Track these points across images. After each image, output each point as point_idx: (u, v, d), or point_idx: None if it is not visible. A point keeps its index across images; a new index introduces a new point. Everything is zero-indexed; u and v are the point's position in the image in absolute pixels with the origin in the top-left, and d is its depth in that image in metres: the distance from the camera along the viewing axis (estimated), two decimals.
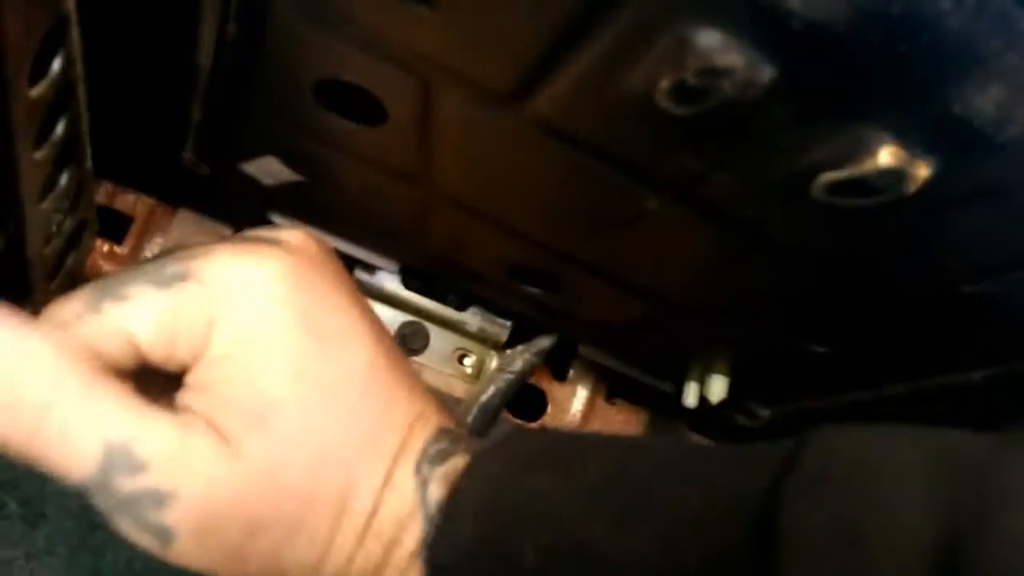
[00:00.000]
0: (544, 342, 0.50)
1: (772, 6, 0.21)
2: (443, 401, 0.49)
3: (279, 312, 0.27)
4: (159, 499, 0.24)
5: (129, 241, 0.46)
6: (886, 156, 0.24)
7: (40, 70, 0.26)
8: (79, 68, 0.29)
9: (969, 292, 0.30)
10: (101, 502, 0.24)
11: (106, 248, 0.46)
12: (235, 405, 0.26)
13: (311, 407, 0.27)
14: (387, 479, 0.28)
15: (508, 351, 0.50)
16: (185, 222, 0.45)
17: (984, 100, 0.21)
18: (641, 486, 0.27)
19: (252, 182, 0.39)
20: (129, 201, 0.46)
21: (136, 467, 0.24)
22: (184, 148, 0.39)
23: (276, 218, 0.43)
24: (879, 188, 0.25)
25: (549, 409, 0.53)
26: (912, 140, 0.23)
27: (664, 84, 0.25)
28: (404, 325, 0.50)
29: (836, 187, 0.26)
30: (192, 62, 0.32)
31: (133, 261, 0.45)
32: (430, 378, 0.50)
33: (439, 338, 0.50)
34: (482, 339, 0.50)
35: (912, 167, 0.24)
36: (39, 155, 0.29)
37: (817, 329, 0.38)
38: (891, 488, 0.22)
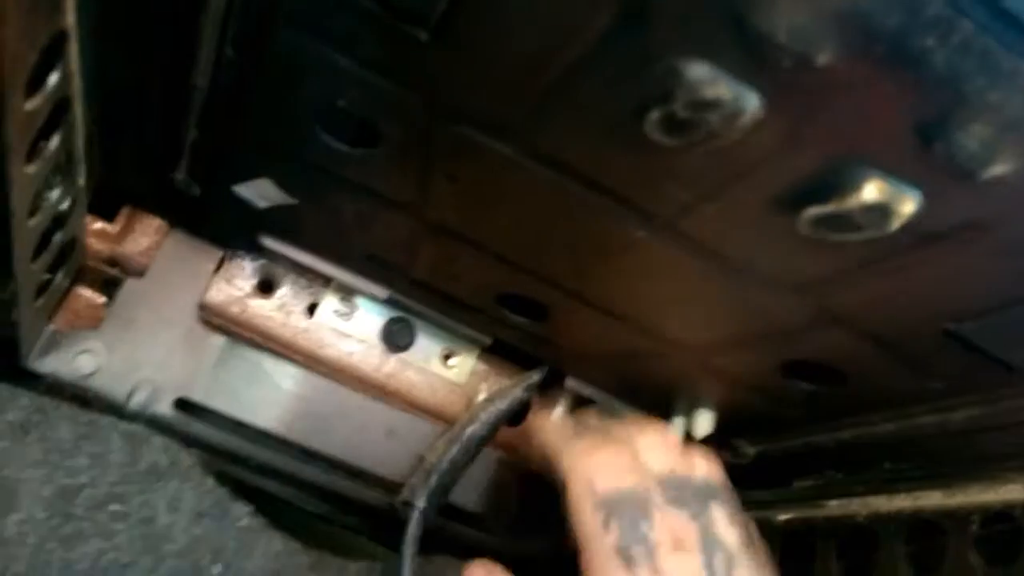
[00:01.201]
0: (534, 376, 0.49)
1: (760, 40, 0.21)
2: (426, 419, 0.49)
3: None
4: None
5: (120, 220, 0.44)
6: (871, 191, 0.24)
7: (37, 83, 0.26)
8: (76, 84, 0.29)
9: (953, 330, 0.31)
10: None
11: (97, 226, 0.44)
12: None
13: None
14: None
15: (498, 387, 0.50)
16: (177, 242, 0.45)
17: (967, 137, 0.22)
18: None
19: (243, 204, 0.39)
20: None
21: None
22: (177, 168, 0.39)
23: (266, 240, 0.43)
24: (864, 223, 0.26)
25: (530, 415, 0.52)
26: (897, 175, 0.24)
27: (654, 115, 0.25)
28: (391, 321, 0.49)
29: (822, 221, 0.27)
30: (189, 83, 0.32)
31: (124, 239, 0.44)
32: (414, 376, 0.49)
33: (425, 336, 0.49)
34: (469, 340, 0.50)
35: (897, 202, 0.25)
36: (30, 169, 0.29)
37: (803, 365, 0.38)
38: None
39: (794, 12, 0.20)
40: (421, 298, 0.45)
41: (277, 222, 0.42)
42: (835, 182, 0.25)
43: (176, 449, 0.33)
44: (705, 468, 0.39)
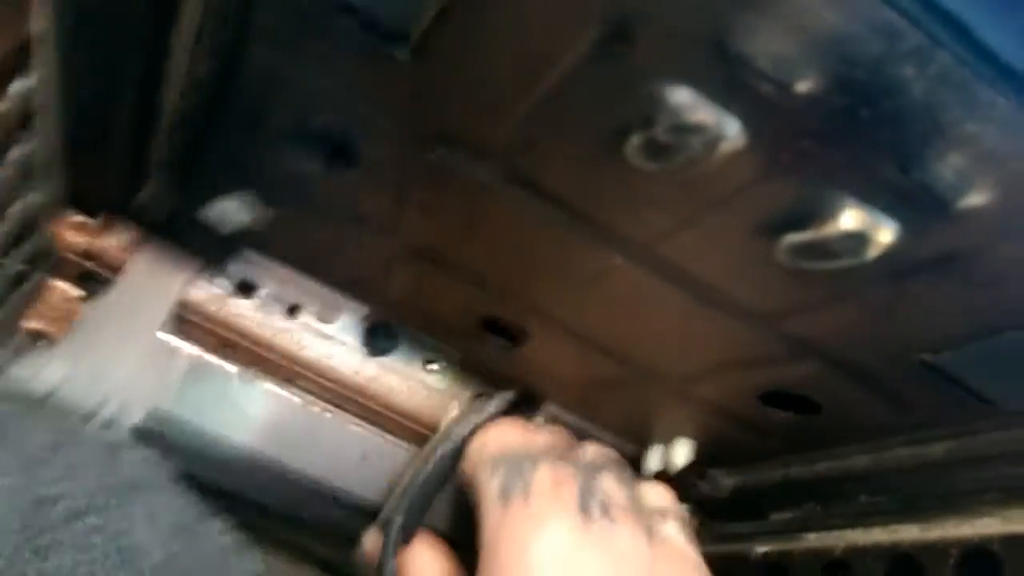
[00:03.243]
0: (509, 393, 0.48)
1: (741, 66, 0.21)
2: (400, 443, 0.48)
3: None
4: None
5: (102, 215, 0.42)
6: (849, 219, 0.24)
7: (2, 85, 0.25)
8: (45, 95, 0.28)
9: (930, 362, 0.31)
10: None
11: (78, 219, 0.42)
12: None
13: None
14: None
15: (468, 404, 0.49)
16: (149, 252, 0.43)
17: (943, 167, 0.22)
18: None
19: (209, 229, 0.38)
20: None
21: None
22: (143, 189, 0.38)
23: (244, 252, 0.42)
24: (842, 252, 0.26)
25: None
26: (874, 204, 0.24)
27: (635, 140, 0.25)
28: (374, 325, 0.48)
29: (800, 249, 0.27)
30: (158, 100, 0.31)
31: (105, 234, 0.42)
32: (394, 381, 0.48)
33: (408, 341, 0.48)
34: (450, 348, 0.49)
35: (874, 231, 0.24)
36: None
37: (780, 395, 0.38)
38: None
39: (775, 39, 0.20)
40: (398, 316, 0.45)
41: (251, 238, 0.41)
42: (813, 209, 0.25)
43: (156, 461, 0.32)
44: (592, 452, 0.41)
